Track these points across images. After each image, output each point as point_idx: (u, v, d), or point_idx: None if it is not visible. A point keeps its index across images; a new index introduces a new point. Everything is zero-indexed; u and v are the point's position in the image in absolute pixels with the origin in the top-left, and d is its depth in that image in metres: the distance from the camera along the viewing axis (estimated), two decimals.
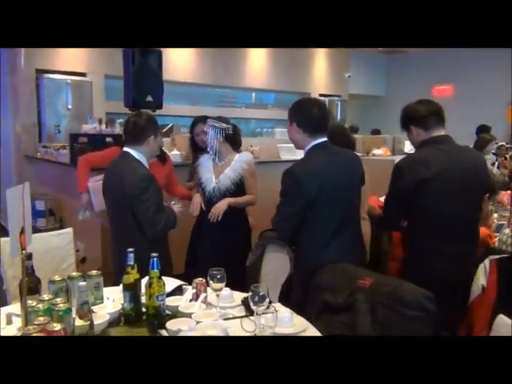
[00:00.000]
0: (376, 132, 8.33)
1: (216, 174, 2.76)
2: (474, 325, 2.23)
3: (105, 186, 2.49)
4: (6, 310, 1.72)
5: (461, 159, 2.14)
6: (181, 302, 1.79)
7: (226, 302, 1.84)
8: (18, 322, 1.56)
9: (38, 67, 6.13)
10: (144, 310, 1.69)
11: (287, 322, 1.64)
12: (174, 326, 1.52)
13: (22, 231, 1.45)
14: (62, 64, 6.32)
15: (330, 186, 2.04)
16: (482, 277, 2.28)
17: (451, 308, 2.05)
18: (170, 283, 1.98)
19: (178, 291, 1.93)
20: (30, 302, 1.50)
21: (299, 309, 1.78)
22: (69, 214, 4.23)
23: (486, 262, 2.28)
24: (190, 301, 1.82)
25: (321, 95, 9.73)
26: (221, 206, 2.64)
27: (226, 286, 1.85)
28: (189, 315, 1.65)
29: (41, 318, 1.38)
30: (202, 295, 1.77)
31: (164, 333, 1.38)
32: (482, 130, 6.31)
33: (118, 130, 4.69)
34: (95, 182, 2.86)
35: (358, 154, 5.67)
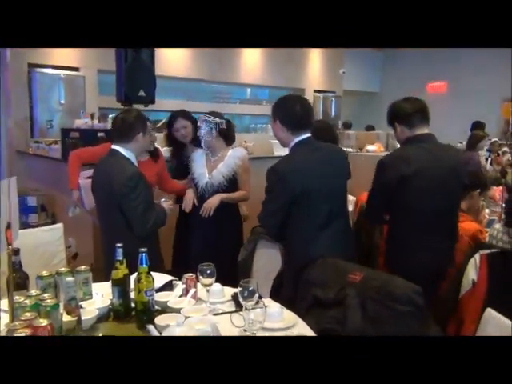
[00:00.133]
0: (370, 128, 8.34)
1: (209, 169, 2.75)
2: (465, 319, 2.25)
3: (93, 184, 2.47)
4: None
5: (442, 157, 2.22)
6: (170, 298, 1.78)
7: (217, 298, 1.84)
8: (5, 318, 1.54)
9: (30, 61, 6.07)
10: (133, 305, 1.68)
11: (277, 317, 1.64)
12: (163, 322, 1.52)
13: (9, 226, 1.44)
14: (55, 58, 6.26)
15: (315, 182, 2.06)
16: (473, 271, 2.30)
17: (431, 297, 2.05)
18: (161, 279, 1.97)
19: (168, 287, 1.92)
20: (17, 297, 1.49)
21: (290, 304, 1.78)
22: (61, 210, 4.21)
23: (477, 256, 2.29)
24: (180, 296, 1.82)
25: (315, 91, 9.74)
26: (213, 202, 2.63)
27: (218, 281, 1.85)
28: (178, 310, 1.64)
29: (27, 314, 1.37)
30: (192, 290, 1.77)
31: (152, 328, 1.37)
32: (477, 126, 6.34)
33: (110, 125, 4.66)
34: (86, 180, 2.84)
35: (351, 150, 5.72)
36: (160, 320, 1.54)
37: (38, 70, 6.14)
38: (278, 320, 1.63)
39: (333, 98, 9.84)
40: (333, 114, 9.77)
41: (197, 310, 1.67)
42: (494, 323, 1.46)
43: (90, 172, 2.73)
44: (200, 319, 1.55)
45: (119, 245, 1.67)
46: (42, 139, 5.43)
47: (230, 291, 1.87)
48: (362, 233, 2.78)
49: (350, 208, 2.97)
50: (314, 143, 2.16)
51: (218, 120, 2.69)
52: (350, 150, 5.60)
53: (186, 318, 1.55)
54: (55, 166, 4.36)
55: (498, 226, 2.51)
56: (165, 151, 3.41)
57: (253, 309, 1.43)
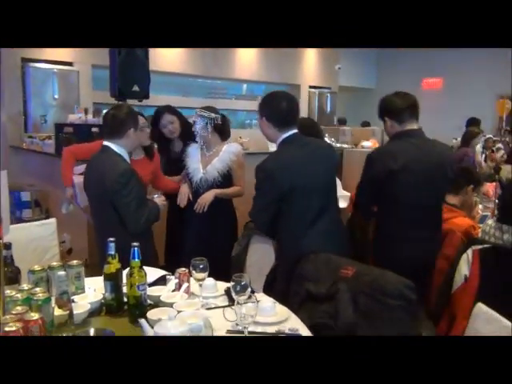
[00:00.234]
0: (366, 124, 8.34)
1: (204, 164, 2.74)
2: (457, 314, 2.26)
3: (85, 181, 2.46)
4: None
5: (429, 153, 2.26)
6: (163, 292, 1.78)
7: (210, 292, 1.84)
8: None
9: (23, 56, 6.02)
10: (125, 299, 1.68)
11: (269, 311, 1.65)
12: (155, 316, 1.52)
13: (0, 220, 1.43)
14: (48, 53, 6.22)
15: (303, 178, 2.07)
16: (465, 267, 2.30)
17: (420, 290, 2.05)
18: (154, 273, 1.98)
19: (161, 281, 1.92)
20: (8, 291, 1.48)
21: (283, 298, 1.79)
22: (55, 205, 4.19)
23: (469, 252, 2.30)
24: (173, 291, 1.82)
25: (311, 87, 9.73)
26: (207, 197, 2.63)
27: (212, 276, 1.86)
28: (171, 305, 1.64)
29: (19, 308, 1.37)
30: (185, 285, 1.77)
31: (144, 322, 1.37)
32: (472, 123, 6.34)
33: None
34: (80, 176, 2.82)
35: (347, 146, 5.72)
36: (152, 314, 1.54)
37: (32, 64, 6.10)
38: (270, 314, 1.64)
39: (328, 94, 9.83)
40: (328, 110, 9.77)
41: (189, 304, 1.68)
42: (484, 317, 1.47)
43: (83, 167, 2.72)
44: (192, 313, 1.55)
45: (111, 239, 1.67)
46: (35, 134, 5.40)
47: (223, 286, 1.88)
48: (356, 229, 2.79)
49: (345, 204, 2.98)
50: (302, 139, 2.18)
51: (213, 115, 2.68)
52: (345, 145, 5.60)
53: (179, 312, 1.55)
54: (49, 161, 4.34)
55: (490, 221, 2.52)
56: None
57: (245, 303, 1.44)
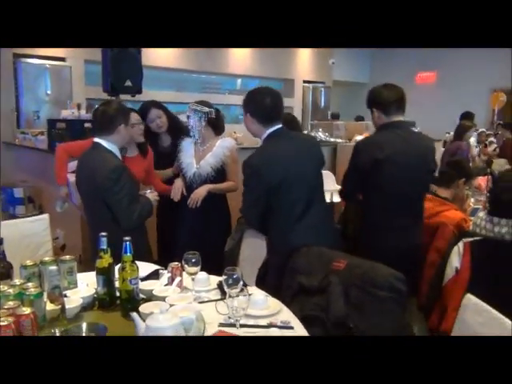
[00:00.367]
0: (360, 119, 8.35)
1: (197, 159, 2.73)
2: (448, 306, 2.28)
3: (77, 178, 2.44)
4: None
5: (413, 144, 2.33)
6: (156, 286, 1.78)
7: (202, 286, 1.85)
8: None
9: (15, 52, 5.98)
10: (118, 294, 1.68)
11: (262, 305, 1.66)
12: (147, 310, 1.52)
13: None
14: (41, 49, 6.17)
15: (289, 171, 2.09)
16: (456, 259, 2.33)
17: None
18: (147, 268, 1.98)
19: (154, 276, 1.93)
20: (0, 287, 1.48)
21: (274, 292, 1.80)
22: (48, 201, 4.18)
23: (460, 244, 2.32)
24: (166, 285, 1.82)
25: (305, 82, 9.73)
26: (200, 192, 2.62)
27: (206, 271, 1.87)
28: (163, 299, 1.65)
29: (10, 303, 1.37)
30: (177, 279, 1.77)
31: (136, 316, 1.38)
32: (465, 116, 6.36)
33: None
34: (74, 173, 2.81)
35: (340, 140, 5.73)
36: (144, 308, 1.55)
37: (24, 60, 6.06)
38: (262, 307, 1.65)
39: (322, 89, 9.84)
40: (322, 104, 9.78)
41: (182, 298, 1.68)
42: (473, 308, 1.49)
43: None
44: (184, 307, 1.56)
45: (103, 234, 1.67)
46: (28, 130, 5.37)
47: (215, 280, 1.89)
48: (349, 223, 2.81)
49: (339, 199, 3.00)
50: (287, 133, 2.21)
51: (206, 109, 2.66)
52: (339, 140, 5.62)
53: (171, 305, 1.56)
54: (42, 158, 4.32)
55: (481, 214, 2.54)
56: None
57: (236, 296, 1.45)
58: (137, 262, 1.68)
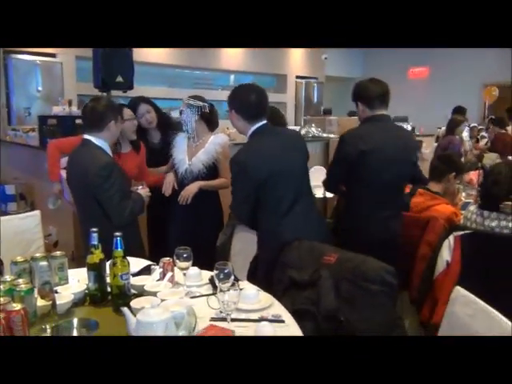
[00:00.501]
0: (353, 114, 8.33)
1: (189, 155, 2.72)
2: (439, 299, 2.30)
3: (68, 175, 2.43)
4: None
5: (395, 137, 2.43)
6: (147, 282, 1.78)
7: (194, 281, 1.85)
8: None
9: (5, 48, 5.93)
10: (109, 289, 1.68)
11: (253, 299, 1.67)
12: (139, 305, 1.52)
13: None
14: None
15: (275, 167, 2.11)
16: (447, 252, 2.35)
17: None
18: (139, 264, 1.98)
19: (146, 271, 1.93)
20: None
21: (265, 286, 1.80)
22: (40, 198, 4.16)
23: (451, 238, 2.34)
24: (157, 280, 1.82)
25: (298, 77, 9.73)
26: (191, 189, 2.61)
27: (198, 266, 1.87)
28: (154, 294, 1.65)
29: (1, 299, 1.36)
30: (169, 274, 1.77)
31: (126, 310, 1.38)
32: (457, 111, 6.40)
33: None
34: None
35: (333, 136, 5.74)
36: (136, 303, 1.55)
37: (14, 56, 6.01)
38: (254, 302, 1.66)
39: (315, 84, 9.85)
40: (315, 100, 9.78)
41: (173, 293, 1.69)
42: (462, 300, 1.50)
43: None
44: (176, 302, 1.56)
45: (94, 230, 1.67)
46: (19, 127, 5.34)
47: (207, 275, 1.89)
48: (341, 218, 2.82)
49: (332, 194, 3.01)
50: (272, 129, 2.23)
51: (200, 103, 2.65)
52: (331, 135, 5.62)
53: (162, 300, 1.56)
54: (33, 154, 4.30)
55: (472, 207, 2.56)
56: None
57: (227, 291, 1.45)
58: (129, 258, 1.68)
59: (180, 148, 2.76)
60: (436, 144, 6.00)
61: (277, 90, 9.75)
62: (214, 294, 1.72)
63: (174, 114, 5.69)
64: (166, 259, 1.82)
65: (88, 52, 3.88)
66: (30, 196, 4.52)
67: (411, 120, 8.65)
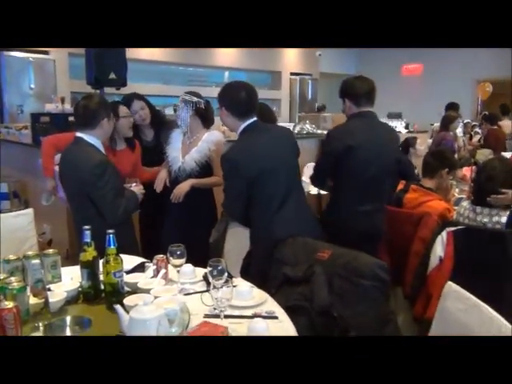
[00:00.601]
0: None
1: (183, 152, 2.71)
2: (432, 294, 2.32)
3: (60, 174, 2.41)
4: None
5: (380, 133, 2.51)
6: (141, 279, 1.78)
7: (188, 278, 1.85)
8: None
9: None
10: (103, 287, 1.68)
11: (247, 295, 1.67)
12: (132, 302, 1.52)
13: None
14: None
15: (266, 164, 2.12)
16: (440, 248, 2.36)
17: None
18: (132, 261, 1.98)
19: (140, 268, 1.93)
20: None
21: (258, 282, 1.81)
22: (34, 196, 4.14)
23: (444, 233, 2.36)
24: (151, 278, 1.82)
25: (292, 74, 9.73)
26: (183, 187, 2.60)
27: (193, 264, 1.87)
28: (148, 291, 1.65)
29: None
30: (162, 271, 1.77)
31: (119, 308, 1.38)
32: (451, 107, 6.42)
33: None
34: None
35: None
36: (129, 300, 1.55)
37: (6, 53, 5.96)
38: (248, 298, 1.66)
39: (309, 81, 9.85)
40: (310, 96, 9.78)
41: (167, 290, 1.69)
42: (454, 296, 1.51)
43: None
44: (169, 299, 1.56)
45: (86, 227, 1.66)
46: (12, 125, 5.30)
47: (201, 272, 1.89)
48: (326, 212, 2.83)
49: (326, 191, 3.02)
50: (262, 126, 2.24)
51: (195, 99, 2.64)
52: (326, 132, 5.62)
53: (156, 297, 1.56)
54: (26, 152, 4.27)
55: (465, 203, 2.58)
56: None
57: (221, 287, 1.45)
58: (122, 255, 1.68)
59: (174, 145, 2.74)
60: (430, 140, 6.02)
61: (271, 87, 9.75)
62: (207, 290, 1.72)
63: (168, 112, 5.68)
64: (160, 256, 1.82)
65: (81, 49, 3.86)
66: (23, 194, 4.49)
67: (405, 116, 8.69)
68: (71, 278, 1.78)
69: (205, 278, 1.82)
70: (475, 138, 6.72)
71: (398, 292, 2.59)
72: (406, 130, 7.88)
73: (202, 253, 2.24)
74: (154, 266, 1.82)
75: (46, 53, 6.34)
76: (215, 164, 2.65)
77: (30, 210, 2.62)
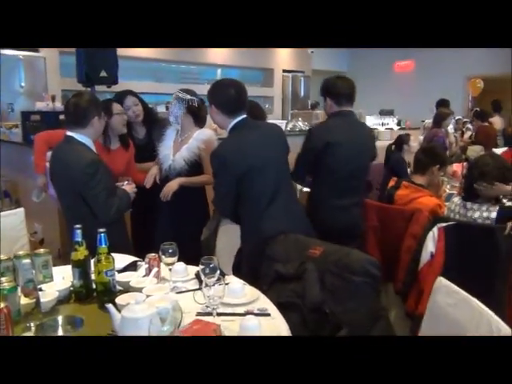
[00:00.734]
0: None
1: (174, 150, 2.70)
2: (424, 290, 2.34)
3: (51, 172, 2.39)
4: None
5: (358, 131, 2.62)
6: (133, 278, 1.78)
7: (180, 276, 1.85)
8: None
9: None
10: (94, 286, 1.68)
11: (239, 293, 1.67)
12: (124, 301, 1.52)
13: None
14: None
15: (255, 161, 2.13)
16: (431, 244, 2.38)
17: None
18: (125, 260, 1.98)
19: (132, 267, 1.92)
20: None
21: (249, 279, 1.81)
22: (25, 195, 4.11)
23: (435, 229, 2.38)
24: (143, 276, 1.82)
25: (284, 71, 9.71)
26: (171, 186, 2.59)
27: (185, 262, 1.86)
28: (140, 290, 1.64)
29: None
30: (154, 270, 1.77)
31: (111, 307, 1.38)
32: (442, 104, 6.44)
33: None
34: None
35: None
36: (121, 299, 1.54)
37: None
38: (240, 296, 1.66)
39: (302, 78, 9.84)
40: (302, 93, 9.78)
41: (159, 288, 1.68)
42: (444, 291, 1.53)
43: None
44: (161, 297, 1.56)
45: (78, 226, 1.66)
46: (2, 123, 5.25)
47: (193, 270, 1.89)
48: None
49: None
50: (252, 123, 2.25)
51: (188, 96, 2.63)
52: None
53: (148, 296, 1.56)
54: (17, 151, 4.24)
55: (456, 199, 2.61)
56: None
57: (213, 285, 1.45)
58: (115, 254, 1.68)
59: (166, 143, 2.74)
60: (421, 137, 6.05)
61: (264, 84, 9.73)
62: (199, 288, 1.72)
63: (160, 109, 5.66)
64: (152, 255, 1.81)
65: None
66: (14, 193, 4.46)
67: (397, 113, 8.73)
68: (63, 278, 1.77)
69: (197, 276, 1.82)
70: (466, 135, 6.75)
71: (390, 288, 2.61)
72: (398, 127, 7.92)
73: (195, 251, 2.25)
74: (146, 265, 1.82)
75: (36, 50, 6.27)
76: (205, 162, 2.63)
77: (21, 210, 2.60)
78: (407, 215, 2.57)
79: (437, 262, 2.32)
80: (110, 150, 2.73)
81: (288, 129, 5.90)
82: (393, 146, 4.70)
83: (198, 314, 1.55)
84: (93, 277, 1.69)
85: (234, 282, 1.73)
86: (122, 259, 1.94)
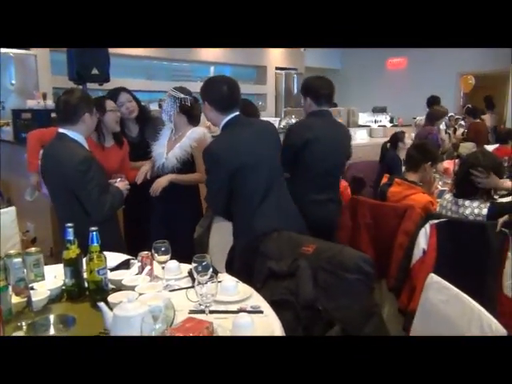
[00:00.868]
0: (332, 105, 8.37)
1: (168, 149, 2.70)
2: (416, 286, 2.35)
3: (43, 169, 2.37)
4: None
5: (335, 129, 2.74)
6: (125, 276, 1.77)
7: (173, 274, 1.84)
8: None
9: None
10: (87, 285, 1.67)
11: (232, 290, 1.67)
12: (116, 299, 1.51)
13: None
14: None
15: (248, 158, 2.13)
16: (423, 240, 2.39)
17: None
18: (117, 258, 1.97)
19: (124, 265, 1.92)
20: None
21: (242, 276, 1.81)
22: (17, 194, 4.08)
23: (427, 226, 2.39)
24: (136, 274, 1.81)
25: (277, 68, 9.69)
26: (161, 182, 2.59)
27: (178, 260, 1.86)
28: (133, 288, 1.64)
29: None
30: (147, 268, 1.77)
31: (103, 305, 1.37)
32: (433, 101, 6.45)
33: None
34: None
35: None
36: (113, 298, 1.54)
37: None
38: (233, 293, 1.66)
39: (295, 75, 9.81)
40: (295, 91, 9.76)
41: (152, 286, 1.68)
42: (436, 287, 1.53)
43: None
44: (154, 295, 1.56)
45: (69, 225, 1.65)
46: None
47: (186, 268, 1.88)
48: None
49: None
50: (245, 120, 2.25)
51: (181, 95, 2.61)
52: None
53: (140, 294, 1.56)
54: (8, 149, 4.21)
55: (448, 196, 2.62)
56: None
57: (205, 283, 1.45)
58: (108, 253, 1.67)
59: (161, 141, 2.74)
60: (413, 134, 6.06)
61: (257, 82, 9.71)
62: (192, 286, 1.71)
63: (153, 107, 5.63)
64: (145, 253, 1.81)
65: None
66: (6, 192, 4.43)
67: (390, 110, 8.74)
68: (55, 277, 1.76)
69: (190, 273, 1.82)
70: (459, 132, 6.79)
71: (383, 284, 2.62)
72: (391, 124, 7.94)
73: (187, 249, 2.24)
74: (139, 263, 1.82)
75: (27, 48, 6.21)
76: (198, 161, 2.62)
77: (12, 208, 2.59)
78: (400, 212, 2.58)
79: (429, 259, 2.33)
80: (104, 148, 2.72)
81: (281, 126, 5.90)
82: (388, 144, 4.71)
83: (191, 311, 1.55)
84: (85, 275, 1.68)
85: (227, 280, 1.73)
86: (114, 257, 1.94)
